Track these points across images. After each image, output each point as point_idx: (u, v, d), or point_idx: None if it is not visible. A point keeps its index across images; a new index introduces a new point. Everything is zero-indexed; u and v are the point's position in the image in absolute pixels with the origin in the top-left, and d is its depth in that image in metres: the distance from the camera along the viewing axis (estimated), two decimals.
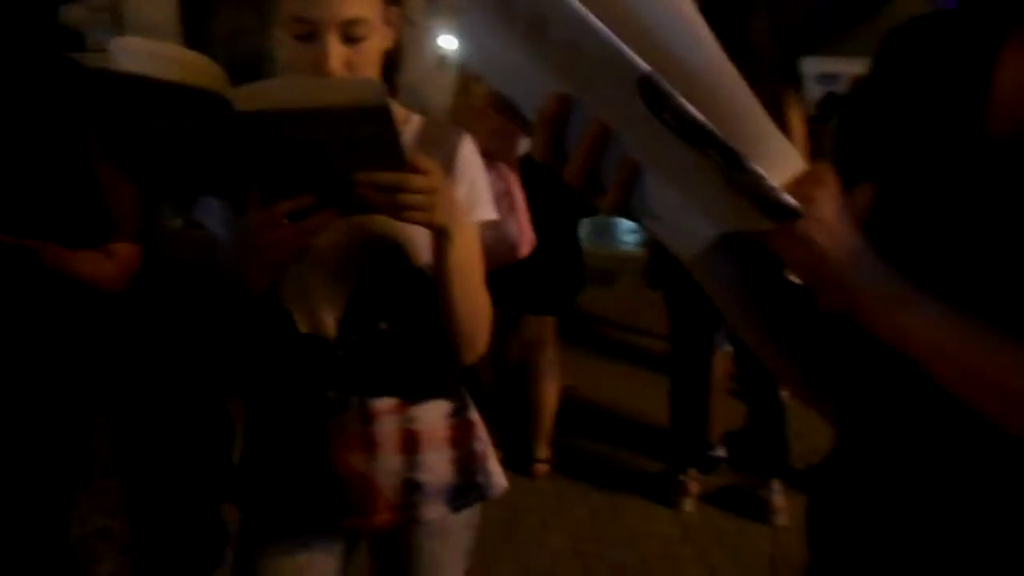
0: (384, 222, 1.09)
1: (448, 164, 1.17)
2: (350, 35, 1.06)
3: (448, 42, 5.62)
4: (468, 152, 1.21)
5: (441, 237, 1.06)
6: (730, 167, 0.46)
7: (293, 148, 0.94)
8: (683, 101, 0.44)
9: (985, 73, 0.64)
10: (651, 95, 0.45)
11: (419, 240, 1.14)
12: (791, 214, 0.49)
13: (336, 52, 1.06)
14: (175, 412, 1.38)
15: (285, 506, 1.26)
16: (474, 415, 1.32)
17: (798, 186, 0.51)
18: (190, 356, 1.44)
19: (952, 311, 0.54)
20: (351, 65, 1.08)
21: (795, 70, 3.05)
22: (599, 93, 0.49)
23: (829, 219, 0.53)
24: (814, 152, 3.57)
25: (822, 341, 0.69)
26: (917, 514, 0.64)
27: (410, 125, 1.22)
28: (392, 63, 1.20)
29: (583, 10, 0.45)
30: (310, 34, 1.06)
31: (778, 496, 2.74)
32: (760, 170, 0.46)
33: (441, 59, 5.43)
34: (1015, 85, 0.63)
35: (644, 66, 0.44)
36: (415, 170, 0.98)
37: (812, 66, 9.20)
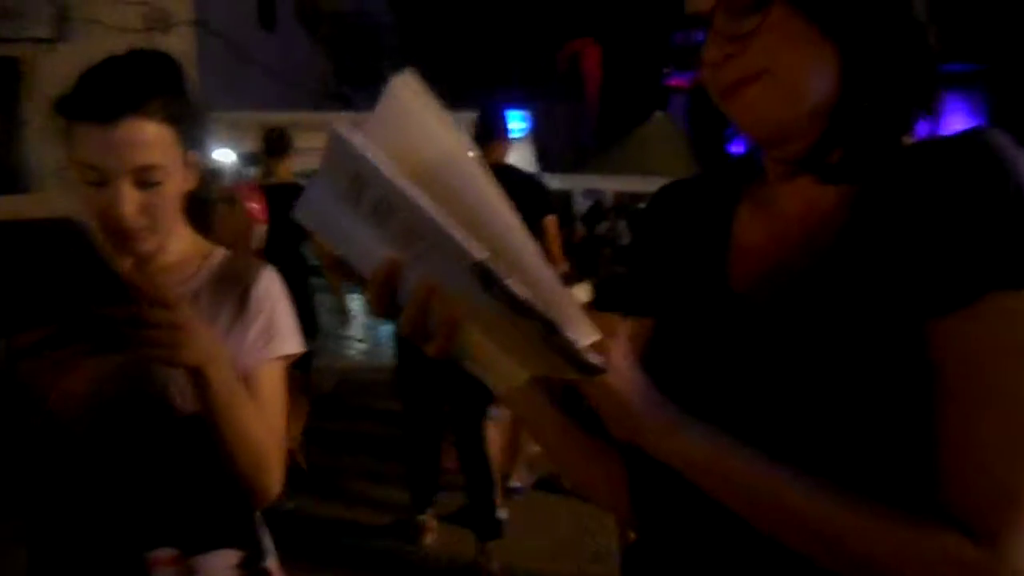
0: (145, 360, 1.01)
1: (242, 298, 1.14)
2: (144, 180, 1.04)
3: None
4: (267, 285, 1.17)
5: (195, 377, 0.99)
6: (548, 334, 0.55)
7: (13, 271, 0.88)
8: (510, 283, 0.53)
9: (725, 230, 0.76)
10: (484, 276, 0.53)
11: (181, 380, 1.06)
12: (596, 371, 0.58)
13: (129, 198, 1.03)
14: None
15: None
16: (271, 564, 1.21)
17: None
18: None
19: (715, 433, 0.64)
20: (146, 209, 1.05)
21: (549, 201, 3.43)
22: (433, 266, 0.57)
23: (619, 364, 0.62)
24: (586, 255, 3.92)
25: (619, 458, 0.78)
26: None
27: (210, 260, 1.18)
28: (199, 204, 1.18)
29: (429, 205, 0.53)
30: (102, 180, 1.03)
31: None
32: (572, 337, 0.56)
33: None
34: (746, 242, 0.74)
35: (479, 253, 0.53)
36: (161, 304, 0.92)
37: (579, 182, 10.11)
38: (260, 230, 3.49)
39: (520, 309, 0.54)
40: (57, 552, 1.12)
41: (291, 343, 1.17)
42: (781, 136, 0.68)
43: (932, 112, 0.66)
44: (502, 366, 0.62)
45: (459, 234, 0.53)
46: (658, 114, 10.81)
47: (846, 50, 0.64)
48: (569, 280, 3.44)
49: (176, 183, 1.09)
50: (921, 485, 0.60)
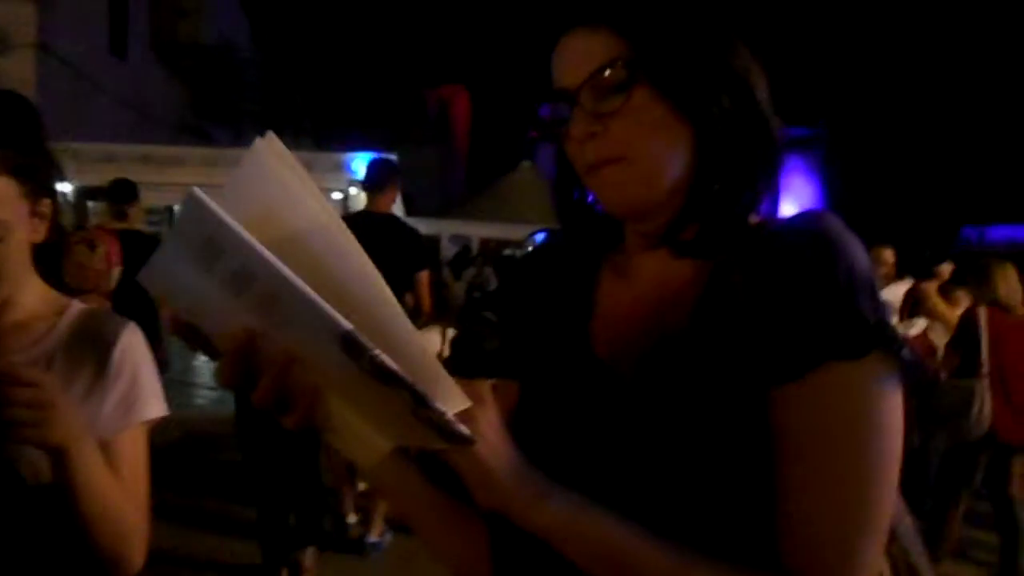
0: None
1: (101, 360, 1.05)
2: None
3: None
4: (128, 344, 1.08)
5: (57, 455, 0.91)
6: (417, 405, 0.54)
7: None
8: (378, 353, 0.52)
9: (588, 295, 0.78)
10: (351, 347, 0.52)
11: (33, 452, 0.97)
12: (465, 441, 0.58)
13: None
14: None
15: None
16: None
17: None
18: None
19: (580, 503, 0.64)
20: None
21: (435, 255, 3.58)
22: (294, 335, 0.55)
23: (487, 434, 0.61)
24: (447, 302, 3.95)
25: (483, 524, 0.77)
26: None
27: (65, 316, 1.07)
28: (54, 252, 1.11)
29: (292, 275, 0.51)
30: None
31: (309, 559, 3.19)
32: (441, 408, 0.55)
33: None
34: (608, 308, 0.77)
35: (345, 324, 0.51)
36: (27, 383, 0.87)
37: (446, 227, 10.17)
38: (116, 272, 3.42)
39: (388, 379, 0.53)
40: None
41: (155, 407, 1.09)
42: (640, 214, 0.71)
43: (774, 194, 0.72)
44: (364, 438, 0.61)
45: (324, 304, 0.51)
46: (525, 163, 11.11)
47: (701, 134, 0.67)
48: (427, 322, 3.43)
49: (21, 236, 1.01)
50: (773, 542, 0.63)
